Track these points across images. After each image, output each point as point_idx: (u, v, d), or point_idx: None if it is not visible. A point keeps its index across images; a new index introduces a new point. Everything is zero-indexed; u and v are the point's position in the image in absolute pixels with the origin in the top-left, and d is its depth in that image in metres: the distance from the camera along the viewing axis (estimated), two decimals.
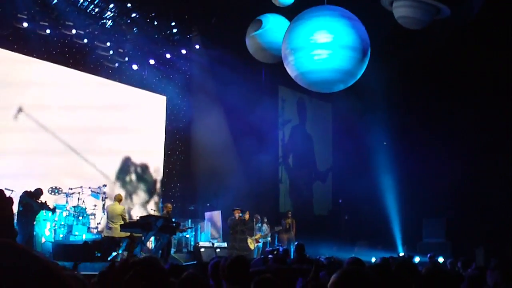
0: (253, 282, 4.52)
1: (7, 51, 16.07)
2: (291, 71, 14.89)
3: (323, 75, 14.35)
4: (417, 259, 15.30)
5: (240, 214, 16.04)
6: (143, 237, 12.31)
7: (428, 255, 14.79)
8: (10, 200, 10.52)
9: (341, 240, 19.85)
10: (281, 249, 13.62)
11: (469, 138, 19.31)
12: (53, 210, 13.31)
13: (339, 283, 2.56)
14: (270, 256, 10.37)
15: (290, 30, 14.66)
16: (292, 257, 12.55)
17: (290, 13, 14.94)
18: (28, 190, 12.65)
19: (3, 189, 13.44)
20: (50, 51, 16.81)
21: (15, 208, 12.65)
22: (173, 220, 13.64)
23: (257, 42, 16.13)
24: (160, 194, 19.13)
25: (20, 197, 12.25)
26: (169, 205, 15.01)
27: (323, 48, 13.96)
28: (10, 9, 15.69)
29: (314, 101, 23.80)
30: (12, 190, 13.52)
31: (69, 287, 0.89)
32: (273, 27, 15.83)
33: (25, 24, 16.14)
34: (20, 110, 16.09)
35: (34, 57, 16.53)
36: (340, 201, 23.45)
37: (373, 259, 14.84)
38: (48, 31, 16.65)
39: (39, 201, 12.70)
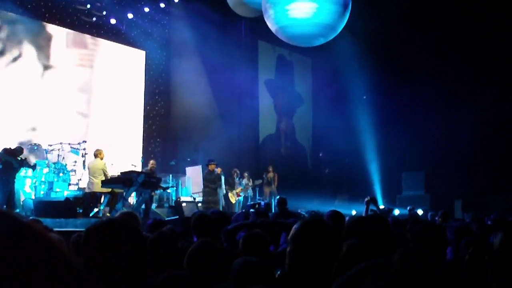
0: (242, 237, 4.56)
1: None
2: (271, 25, 14.82)
3: (303, 29, 14.32)
4: (396, 212, 15.51)
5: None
6: (124, 193, 12.28)
7: (408, 207, 15.00)
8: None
9: (322, 193, 20.03)
10: (262, 203, 13.73)
11: (447, 90, 19.41)
12: (34, 167, 13.21)
13: (299, 232, 2.60)
14: (251, 210, 10.44)
15: None
16: (273, 211, 12.66)
17: None
18: (8, 147, 12.51)
19: None
20: (25, 5, 16.42)
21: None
22: (155, 176, 13.64)
23: None
24: (140, 149, 19.07)
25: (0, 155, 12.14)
26: (153, 161, 15.00)
27: (305, 1, 13.88)
28: None
29: (294, 56, 23.71)
30: None
31: (57, 250, 0.86)
32: None
33: None
34: None
35: (8, 11, 16.18)
36: (321, 154, 23.59)
37: (353, 212, 15.01)
38: None
39: (19, 158, 12.60)
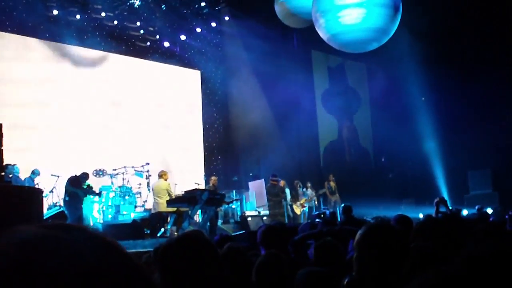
0: (314, 247, 4.53)
1: (40, 40, 16.26)
2: (323, 33, 14.75)
3: (355, 35, 14.20)
4: (465, 212, 15.14)
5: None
6: (189, 211, 12.40)
7: (476, 207, 14.63)
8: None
9: (387, 199, 19.69)
10: (327, 212, 13.62)
11: (509, 85, 18.89)
12: (99, 194, 13.52)
13: (365, 237, 2.56)
14: (317, 220, 10.36)
15: None
16: (339, 219, 12.54)
17: None
18: (73, 176, 12.77)
19: (51, 175, 13.83)
20: (82, 36, 16.91)
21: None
22: (219, 192, 13.74)
23: (286, 7, 16.00)
24: (202, 167, 19.24)
25: (65, 186, 12.45)
26: (214, 177, 15.12)
27: (354, 7, 13.80)
28: None
29: (349, 63, 23.56)
30: (58, 176, 13.81)
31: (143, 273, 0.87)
32: None
33: (55, 12, 16.27)
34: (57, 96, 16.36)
35: (67, 43, 16.66)
36: (383, 159, 23.30)
37: (421, 215, 14.73)
38: (78, 16, 16.77)
39: (85, 186, 12.90)
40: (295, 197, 17.08)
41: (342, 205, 9.71)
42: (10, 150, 14.18)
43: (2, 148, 7.76)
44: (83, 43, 16.98)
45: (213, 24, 19.94)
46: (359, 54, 17.24)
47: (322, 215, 12.25)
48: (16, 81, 15.47)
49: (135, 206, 14.67)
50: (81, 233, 0.83)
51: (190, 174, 18.01)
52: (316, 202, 17.96)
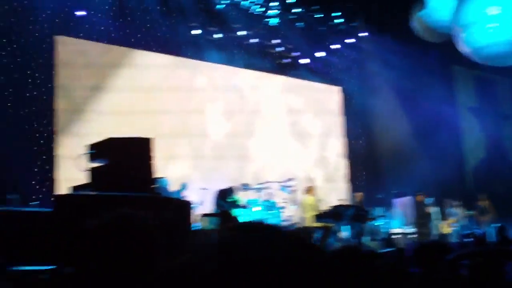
0: (470, 266, 4.62)
1: (182, 58, 17.02)
2: (465, 48, 14.55)
3: (500, 48, 13.91)
4: None
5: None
6: (335, 227, 12.59)
7: None
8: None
9: None
10: (477, 232, 13.31)
11: None
12: (244, 208, 14.00)
13: None
14: (466, 239, 10.24)
15: (459, 5, 14.37)
16: (487, 240, 12.24)
17: None
18: (221, 189, 13.30)
19: (200, 188, 14.45)
20: (222, 54, 17.47)
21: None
22: (364, 208, 13.86)
23: (424, 22, 15.94)
24: (345, 184, 19.43)
25: (214, 199, 13.02)
26: (360, 194, 15.19)
27: (497, 20, 13.57)
28: (182, 19, 16.59)
29: (493, 78, 22.60)
30: (206, 189, 14.41)
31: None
32: (437, 5, 15.58)
33: (196, 32, 17.02)
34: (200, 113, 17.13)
35: (205, 61, 17.29)
36: None
37: None
38: (218, 35, 17.43)
39: (232, 200, 13.42)
40: (442, 216, 16.77)
41: (494, 225, 9.55)
42: (160, 158, 15.14)
43: (151, 162, 7.97)
44: (222, 61, 17.50)
45: (350, 41, 20.06)
46: (504, 68, 16.75)
47: (471, 235, 12.04)
48: (167, 90, 16.32)
49: (281, 221, 15.00)
50: (271, 233, 0.93)
51: (333, 190, 18.17)
52: (463, 223, 17.45)
